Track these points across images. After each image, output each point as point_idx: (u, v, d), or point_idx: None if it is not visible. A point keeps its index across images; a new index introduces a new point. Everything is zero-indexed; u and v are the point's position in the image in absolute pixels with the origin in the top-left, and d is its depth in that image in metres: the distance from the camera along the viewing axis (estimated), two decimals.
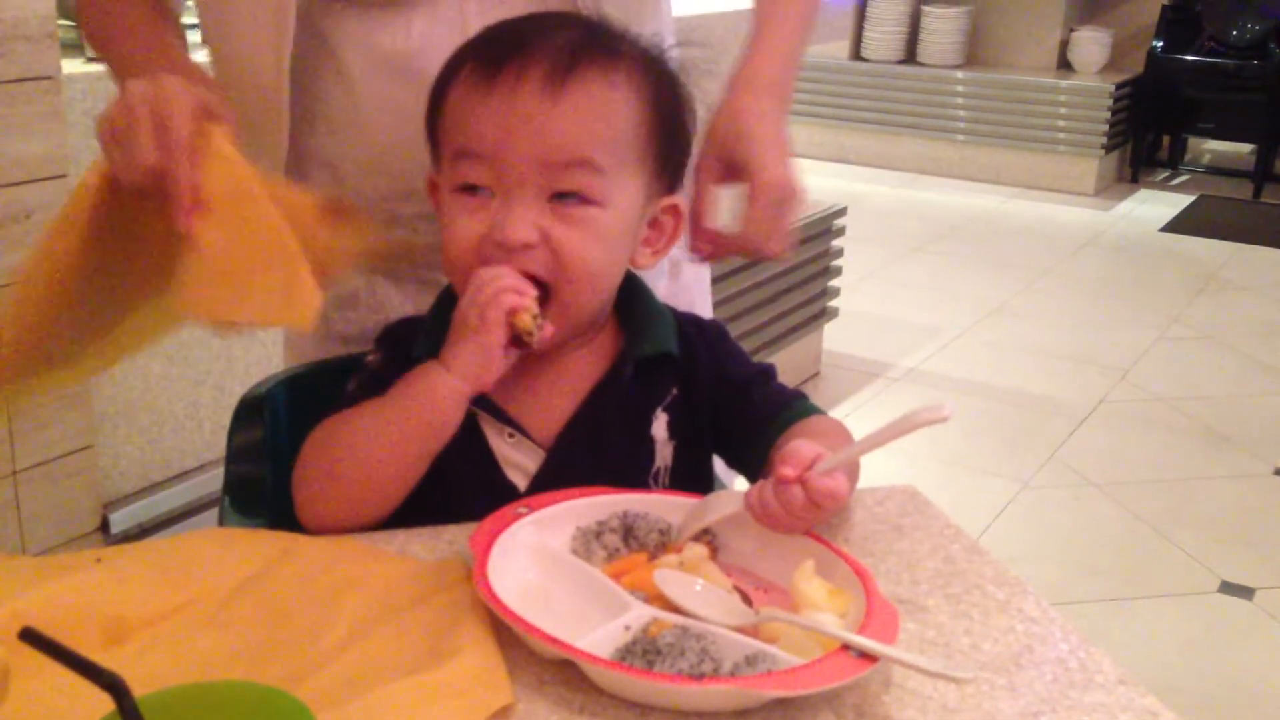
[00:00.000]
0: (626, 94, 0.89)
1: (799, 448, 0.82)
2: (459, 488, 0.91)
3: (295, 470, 0.90)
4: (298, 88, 1.02)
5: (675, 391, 0.96)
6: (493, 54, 0.88)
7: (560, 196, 0.87)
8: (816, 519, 0.83)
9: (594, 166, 0.87)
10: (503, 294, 0.84)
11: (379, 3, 1.00)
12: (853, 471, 0.92)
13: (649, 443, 0.95)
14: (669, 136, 0.93)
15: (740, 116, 0.95)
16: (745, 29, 1.04)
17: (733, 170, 0.93)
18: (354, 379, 0.95)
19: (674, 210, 0.95)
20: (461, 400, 0.87)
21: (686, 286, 1.19)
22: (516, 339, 0.86)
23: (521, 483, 0.93)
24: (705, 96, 0.98)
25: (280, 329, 1.24)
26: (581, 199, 0.87)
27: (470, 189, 0.88)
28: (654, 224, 0.95)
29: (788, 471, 0.80)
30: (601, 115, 0.88)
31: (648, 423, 0.95)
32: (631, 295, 0.97)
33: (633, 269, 0.96)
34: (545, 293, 0.88)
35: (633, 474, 0.94)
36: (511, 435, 0.93)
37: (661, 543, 0.84)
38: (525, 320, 0.84)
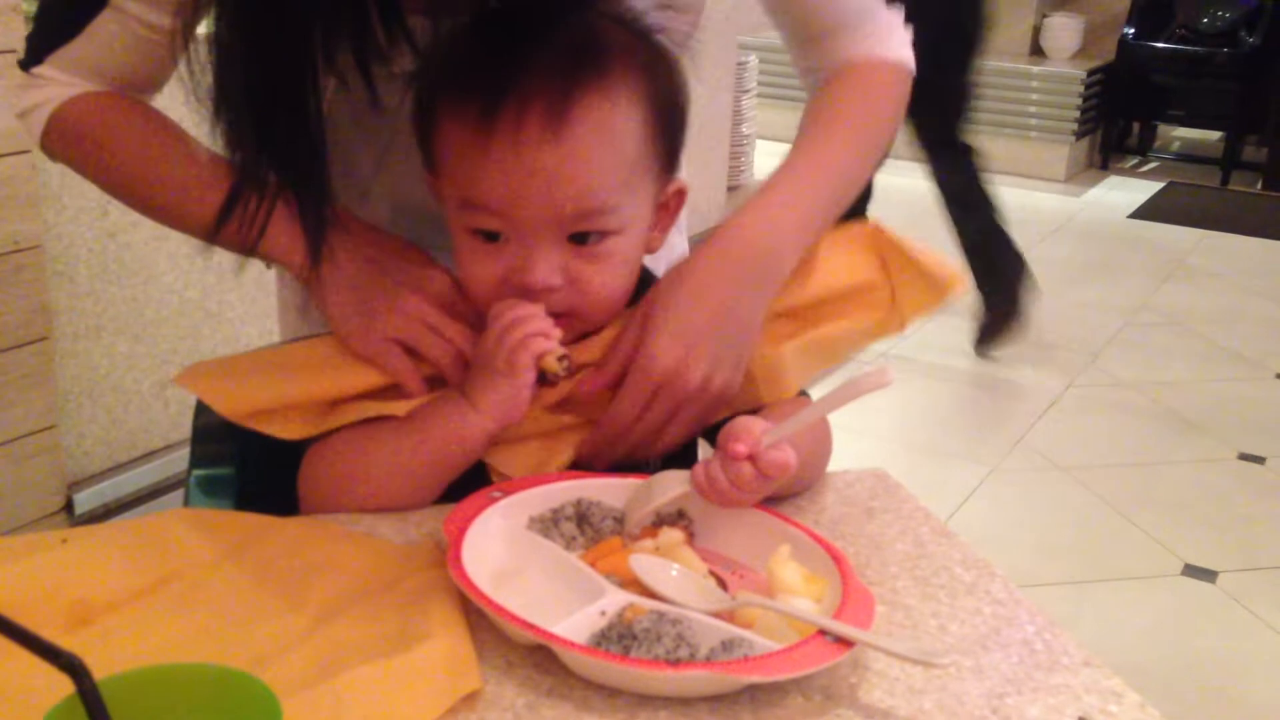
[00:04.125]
0: (628, 109, 0.85)
1: (746, 424, 0.82)
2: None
3: (303, 474, 0.90)
4: None
5: None
6: (482, 92, 0.82)
7: (579, 236, 0.86)
8: (765, 491, 0.83)
9: (610, 207, 0.85)
10: (531, 339, 0.84)
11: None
12: (822, 438, 0.94)
13: None
14: (670, 127, 0.90)
15: (678, 274, 0.89)
16: None
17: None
18: None
19: (678, 191, 0.94)
20: (487, 438, 0.87)
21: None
22: (540, 376, 0.86)
23: None
24: (693, 67, 0.94)
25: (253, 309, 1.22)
26: (600, 234, 0.86)
27: (483, 233, 0.87)
28: (661, 206, 0.93)
29: (739, 448, 0.81)
30: (609, 146, 0.84)
31: None
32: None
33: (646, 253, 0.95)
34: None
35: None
36: None
37: (616, 530, 0.84)
38: (551, 363, 0.85)
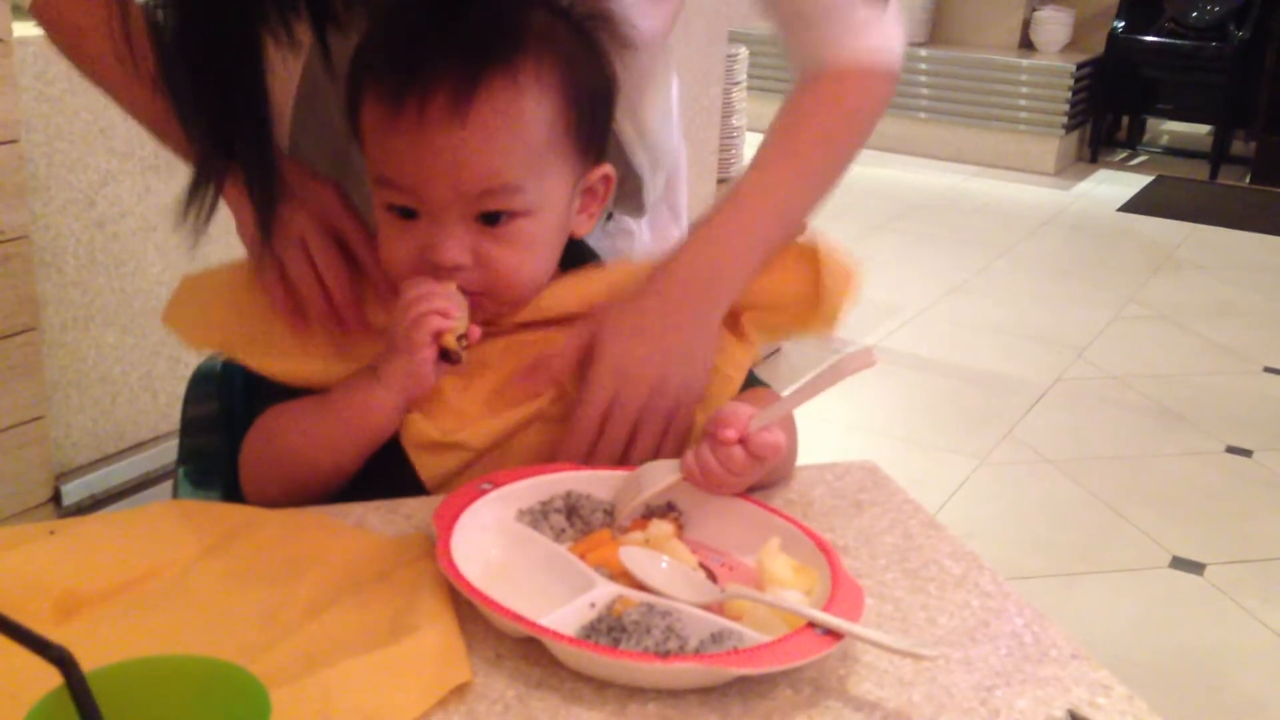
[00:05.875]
0: (537, 95, 0.86)
1: (733, 409, 0.84)
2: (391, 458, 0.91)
3: (241, 449, 0.92)
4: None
5: None
6: (395, 72, 0.84)
7: (487, 216, 0.87)
8: (757, 475, 0.85)
9: (514, 187, 0.86)
10: (427, 317, 0.85)
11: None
12: (788, 426, 0.93)
13: None
14: (588, 115, 0.90)
15: (621, 311, 0.90)
16: None
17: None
18: None
19: (605, 178, 0.94)
20: (394, 411, 0.89)
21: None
22: (443, 353, 0.87)
23: None
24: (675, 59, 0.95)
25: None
26: (509, 215, 0.87)
27: (397, 209, 0.88)
28: (588, 192, 0.94)
29: (729, 434, 0.82)
30: (514, 131, 0.85)
31: None
32: (573, 255, 0.96)
33: (573, 238, 0.95)
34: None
35: None
36: None
37: (606, 523, 0.84)
38: (450, 340, 0.86)
